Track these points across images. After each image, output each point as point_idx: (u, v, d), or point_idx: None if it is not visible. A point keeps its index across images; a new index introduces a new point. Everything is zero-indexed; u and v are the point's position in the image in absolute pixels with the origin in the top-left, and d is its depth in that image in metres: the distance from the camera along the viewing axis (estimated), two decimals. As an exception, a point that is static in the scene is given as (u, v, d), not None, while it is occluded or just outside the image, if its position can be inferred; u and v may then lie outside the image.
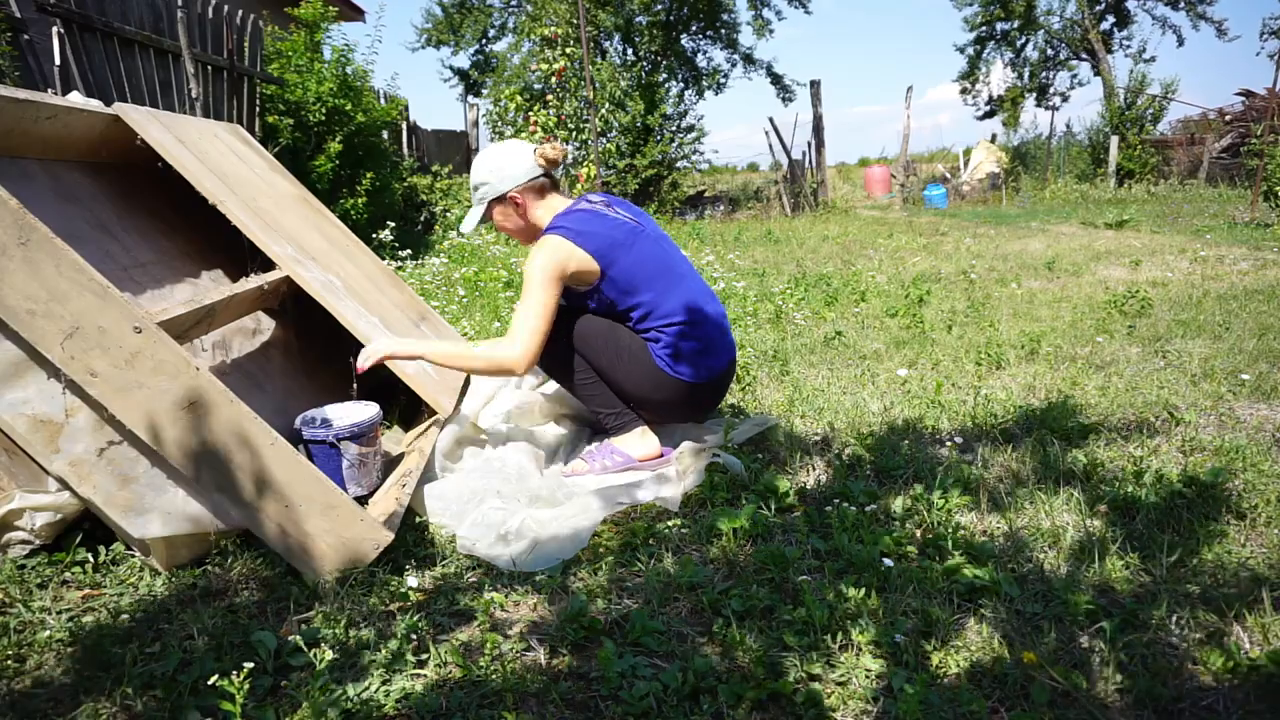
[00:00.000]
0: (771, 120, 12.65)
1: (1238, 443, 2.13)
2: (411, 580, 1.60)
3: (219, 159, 2.35)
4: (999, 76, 20.99)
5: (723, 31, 16.42)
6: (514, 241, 7.53)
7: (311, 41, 6.92)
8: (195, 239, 2.48)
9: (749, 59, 16.96)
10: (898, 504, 1.86)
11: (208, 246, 2.50)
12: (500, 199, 2.16)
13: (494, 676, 1.30)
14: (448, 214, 9.41)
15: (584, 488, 2.02)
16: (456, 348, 2.12)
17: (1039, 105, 20.65)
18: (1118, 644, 1.33)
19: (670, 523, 1.86)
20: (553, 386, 2.48)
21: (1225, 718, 1.19)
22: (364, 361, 2.02)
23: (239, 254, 2.34)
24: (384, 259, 4.48)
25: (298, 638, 1.35)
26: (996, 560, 1.61)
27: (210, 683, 1.20)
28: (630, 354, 2.10)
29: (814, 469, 2.15)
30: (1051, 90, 20.43)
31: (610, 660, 1.30)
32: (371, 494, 2.03)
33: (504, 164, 2.14)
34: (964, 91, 21.25)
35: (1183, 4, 18.18)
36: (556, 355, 2.11)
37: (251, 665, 1.20)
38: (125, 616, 1.49)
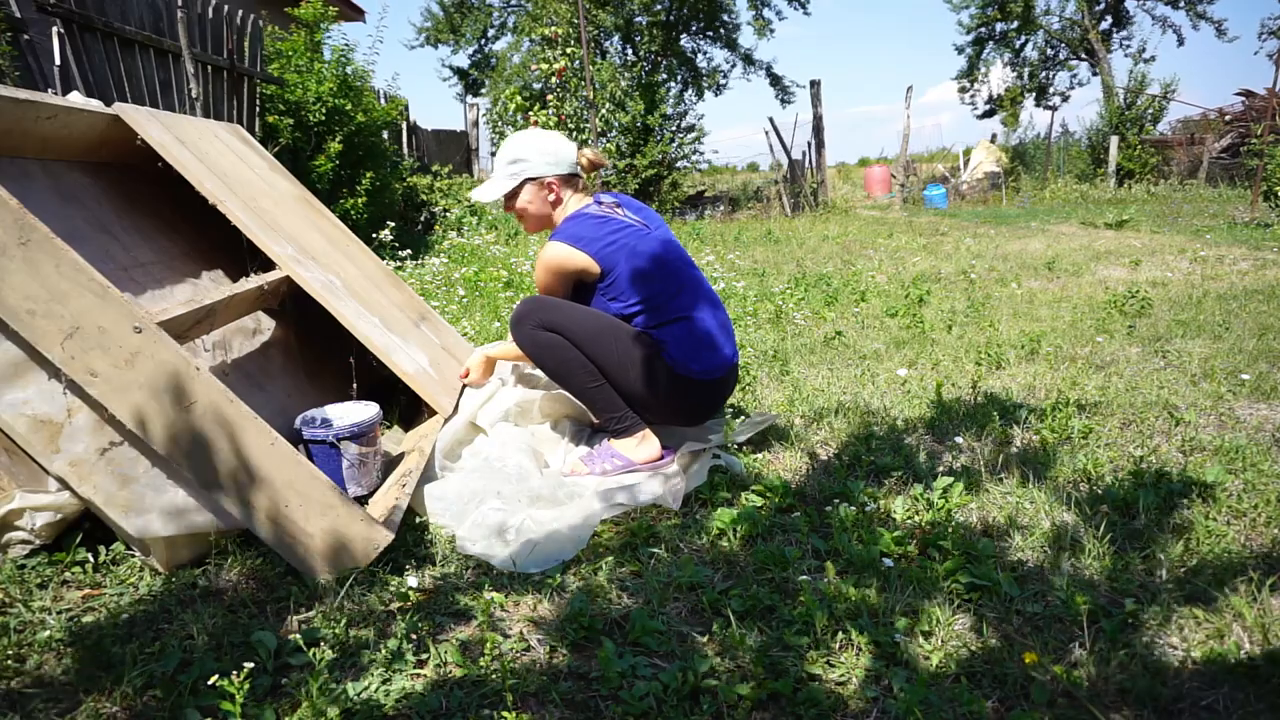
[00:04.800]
0: (771, 120, 12.66)
1: (1238, 443, 2.13)
2: (411, 580, 1.60)
3: (219, 159, 2.35)
4: (998, 76, 21.02)
5: (722, 31, 16.43)
6: (514, 242, 7.53)
7: (311, 41, 6.91)
8: (195, 239, 2.48)
9: (749, 59, 16.98)
10: (898, 504, 1.87)
11: (208, 246, 2.50)
12: (536, 179, 2.20)
13: (494, 676, 1.30)
14: (448, 214, 9.40)
15: (584, 488, 2.02)
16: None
17: (1038, 105, 20.68)
18: (1118, 644, 1.33)
19: (670, 523, 1.86)
20: (553, 386, 2.47)
21: (1225, 718, 1.19)
22: (474, 371, 2.38)
23: (239, 254, 2.34)
24: (384, 259, 4.48)
25: (298, 637, 1.35)
26: (996, 560, 1.61)
27: (210, 683, 1.20)
28: (637, 351, 2.10)
29: (814, 469, 2.15)
30: (1051, 90, 20.45)
31: (610, 660, 1.30)
32: (371, 494, 2.03)
33: (550, 147, 2.19)
34: (962, 90, 21.28)
35: (1182, 3, 18.20)
36: (560, 359, 2.11)
37: (251, 665, 1.20)
38: (125, 616, 1.49)
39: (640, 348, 2.10)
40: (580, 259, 2.12)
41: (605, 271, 2.12)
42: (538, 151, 2.18)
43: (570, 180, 2.24)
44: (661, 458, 2.16)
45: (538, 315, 2.09)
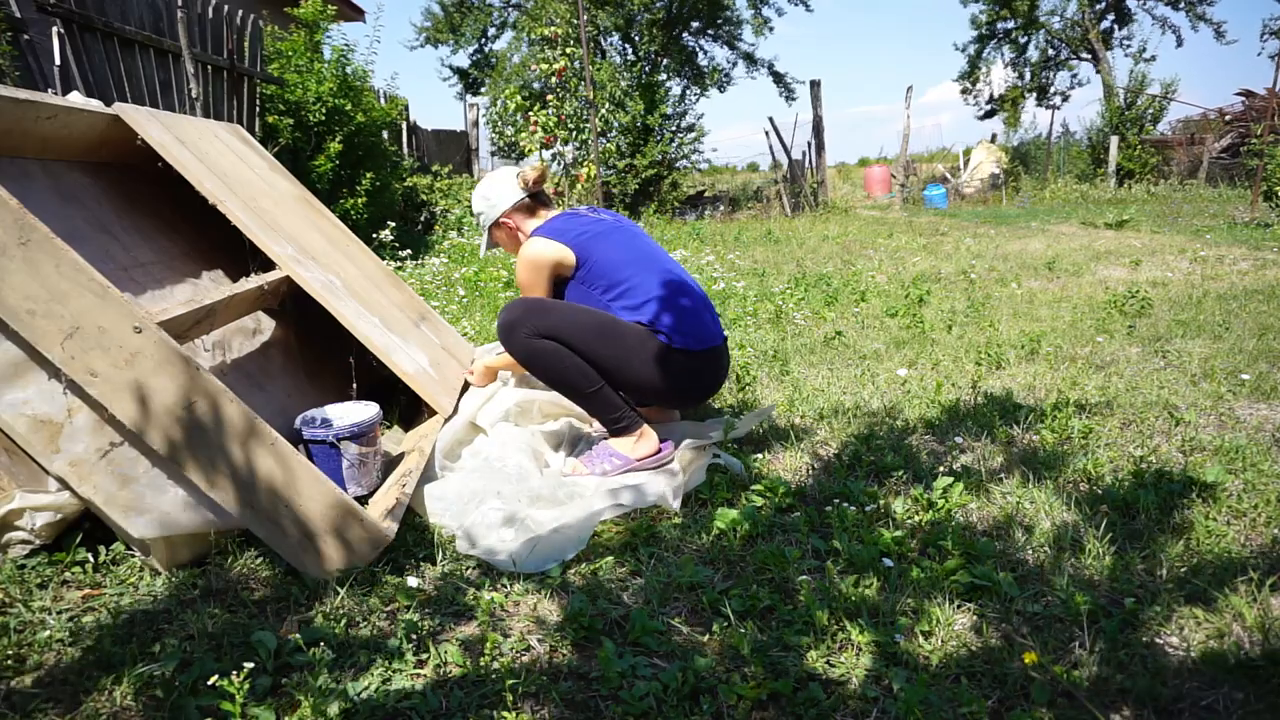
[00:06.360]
0: (771, 120, 12.65)
1: (1238, 443, 2.13)
2: (411, 580, 1.60)
3: (219, 159, 2.35)
4: (999, 76, 21.04)
5: (724, 29, 16.43)
6: (514, 241, 7.53)
7: (311, 41, 6.91)
8: (195, 239, 2.48)
9: (749, 58, 16.97)
10: (898, 504, 1.87)
11: (208, 246, 2.50)
12: (496, 224, 2.40)
13: (494, 676, 1.30)
14: (448, 214, 9.41)
15: (585, 488, 2.02)
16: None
17: (1039, 105, 20.68)
18: (1118, 644, 1.33)
19: (670, 523, 1.86)
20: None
21: (1225, 718, 1.19)
22: (476, 379, 2.47)
23: (239, 254, 2.34)
24: (384, 259, 4.48)
25: (298, 637, 1.35)
26: (996, 560, 1.61)
27: (210, 683, 1.20)
28: (632, 339, 2.11)
29: (814, 469, 2.15)
30: (1052, 90, 20.45)
31: (610, 660, 1.30)
32: (371, 494, 2.03)
33: (492, 193, 2.39)
34: (964, 91, 21.27)
35: (1182, 4, 18.20)
36: (556, 367, 2.10)
37: (251, 665, 1.20)
38: (125, 616, 1.49)
39: (634, 334, 2.12)
40: (556, 249, 2.21)
41: (581, 260, 2.21)
42: (481, 199, 2.40)
43: (526, 207, 2.38)
44: (659, 450, 2.16)
45: (531, 322, 2.09)
